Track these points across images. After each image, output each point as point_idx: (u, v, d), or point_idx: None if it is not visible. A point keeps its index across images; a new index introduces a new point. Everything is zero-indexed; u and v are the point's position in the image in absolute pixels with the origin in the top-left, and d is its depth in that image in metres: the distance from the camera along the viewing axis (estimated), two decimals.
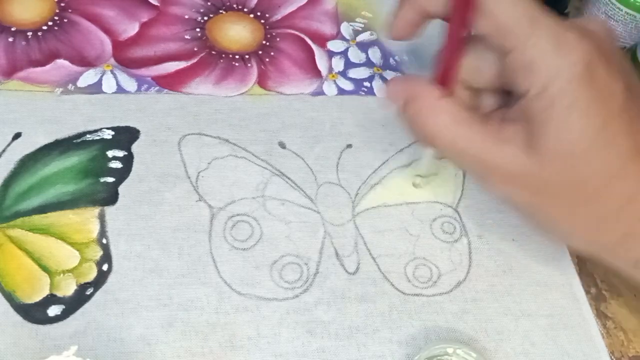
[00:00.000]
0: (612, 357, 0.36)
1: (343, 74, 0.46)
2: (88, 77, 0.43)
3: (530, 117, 0.30)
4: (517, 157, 0.30)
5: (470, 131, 0.31)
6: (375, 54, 0.48)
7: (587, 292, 0.38)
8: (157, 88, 0.43)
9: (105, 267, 0.35)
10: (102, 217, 0.37)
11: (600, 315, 0.38)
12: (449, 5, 0.31)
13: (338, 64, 0.47)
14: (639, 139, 0.30)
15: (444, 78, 0.33)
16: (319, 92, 0.45)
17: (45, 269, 0.34)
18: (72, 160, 0.38)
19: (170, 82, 0.43)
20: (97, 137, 0.40)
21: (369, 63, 0.47)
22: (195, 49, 0.46)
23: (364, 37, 0.49)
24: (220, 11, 0.48)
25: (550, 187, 0.31)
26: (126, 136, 0.40)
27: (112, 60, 0.44)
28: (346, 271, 0.37)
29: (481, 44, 0.32)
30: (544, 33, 0.29)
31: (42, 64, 0.43)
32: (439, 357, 0.33)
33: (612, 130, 0.29)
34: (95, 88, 0.42)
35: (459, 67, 0.33)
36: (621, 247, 0.32)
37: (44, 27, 0.45)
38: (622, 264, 0.34)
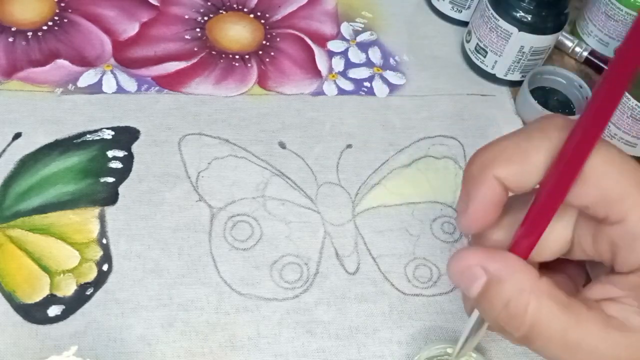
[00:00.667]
0: None
1: (343, 74, 0.46)
2: (88, 77, 0.43)
3: None
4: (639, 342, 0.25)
5: (581, 319, 0.25)
6: (375, 54, 0.48)
7: None
8: (157, 88, 0.43)
9: (105, 267, 0.35)
10: (102, 217, 0.37)
11: None
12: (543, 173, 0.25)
13: (338, 64, 0.47)
14: None
15: (528, 247, 0.26)
16: (319, 92, 0.45)
17: (45, 269, 0.34)
18: (72, 160, 0.38)
19: (170, 82, 0.43)
20: (97, 137, 0.40)
21: (369, 63, 0.47)
22: (195, 49, 0.46)
23: (364, 37, 0.49)
24: (220, 11, 0.48)
25: None
26: (126, 136, 0.40)
27: (112, 60, 0.44)
28: (346, 271, 0.37)
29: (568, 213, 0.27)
30: None
31: (42, 64, 0.43)
32: (439, 358, 0.33)
33: None
34: (95, 88, 0.42)
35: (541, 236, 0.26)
36: None
37: (44, 27, 0.45)
38: None
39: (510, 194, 0.26)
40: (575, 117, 0.42)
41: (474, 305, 0.28)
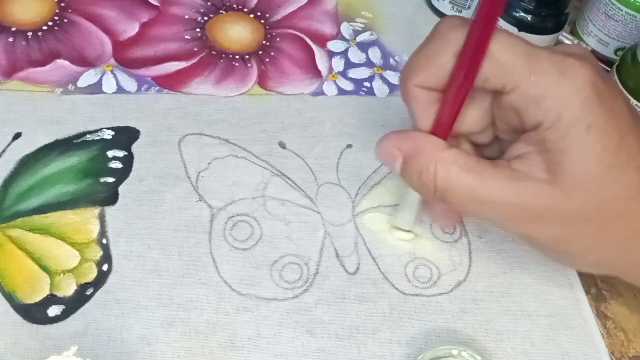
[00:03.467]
0: (612, 357, 0.36)
1: (343, 74, 0.46)
2: (88, 77, 0.43)
3: (546, 149, 0.29)
4: (542, 190, 0.30)
5: (485, 177, 0.30)
6: (375, 54, 0.48)
7: (587, 292, 0.38)
8: (157, 88, 0.43)
9: (105, 267, 0.35)
10: (102, 217, 0.37)
11: (600, 315, 0.38)
12: (457, 54, 0.30)
13: (338, 64, 0.47)
14: None
15: (446, 128, 0.32)
16: (319, 92, 0.45)
17: (45, 269, 0.34)
18: (72, 160, 0.38)
19: (170, 82, 0.43)
20: (97, 137, 0.40)
21: (369, 63, 0.47)
22: (195, 49, 0.46)
23: (364, 37, 0.49)
24: (220, 11, 0.48)
25: (575, 218, 0.30)
26: (126, 136, 0.40)
27: (112, 60, 0.44)
28: (346, 271, 0.37)
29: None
30: (545, 64, 0.29)
31: (42, 64, 0.43)
32: (443, 359, 0.33)
33: (627, 146, 0.29)
34: (95, 88, 0.42)
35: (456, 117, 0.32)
36: None
37: (44, 27, 0.45)
38: None
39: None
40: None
41: (402, 180, 0.33)
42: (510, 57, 0.29)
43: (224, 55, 0.46)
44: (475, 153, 0.34)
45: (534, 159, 0.30)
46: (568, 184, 0.29)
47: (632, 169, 0.30)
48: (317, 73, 0.46)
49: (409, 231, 0.38)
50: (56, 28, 0.45)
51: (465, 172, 0.30)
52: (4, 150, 0.38)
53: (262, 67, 0.46)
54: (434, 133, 0.32)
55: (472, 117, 0.33)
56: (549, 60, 0.29)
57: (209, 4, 0.49)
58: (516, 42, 0.30)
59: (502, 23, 0.45)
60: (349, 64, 0.47)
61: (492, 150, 0.34)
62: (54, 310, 0.33)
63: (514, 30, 0.44)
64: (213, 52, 0.46)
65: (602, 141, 0.29)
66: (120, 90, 0.42)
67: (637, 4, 0.47)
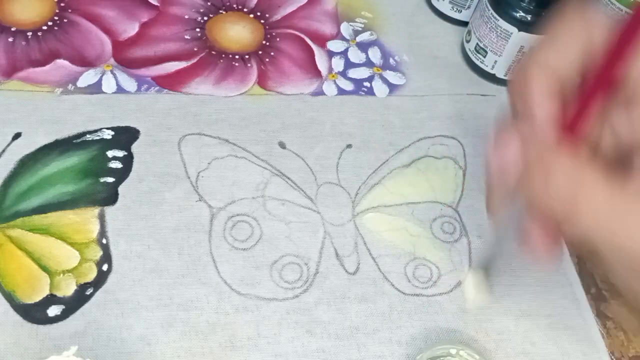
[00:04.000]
0: (612, 357, 0.36)
1: (343, 74, 0.46)
2: (88, 77, 0.43)
3: None
4: None
5: (626, 186, 0.25)
6: (375, 54, 0.48)
7: (587, 292, 0.38)
8: (157, 88, 0.43)
9: (105, 267, 0.35)
10: (102, 217, 0.37)
11: (600, 315, 0.38)
12: (592, 55, 0.27)
13: (338, 64, 0.47)
14: None
15: (578, 131, 0.27)
16: (319, 92, 0.45)
17: (45, 269, 0.34)
18: (72, 160, 0.38)
19: (170, 82, 0.43)
20: (97, 137, 0.40)
21: (369, 63, 0.47)
22: (195, 49, 0.46)
23: (364, 37, 0.49)
24: (220, 11, 0.48)
25: None
26: (126, 136, 0.40)
27: (112, 60, 0.44)
28: (346, 271, 0.37)
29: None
30: None
31: (42, 64, 0.43)
32: (442, 358, 0.33)
33: None
34: (95, 88, 0.42)
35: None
36: None
37: (44, 27, 0.45)
38: None
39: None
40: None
41: (514, 193, 0.28)
42: None
43: (223, 55, 0.46)
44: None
45: None
46: None
47: None
48: (317, 73, 0.46)
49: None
50: (56, 28, 0.45)
51: (603, 177, 0.25)
52: (4, 150, 0.38)
53: (262, 67, 0.45)
54: (564, 132, 0.27)
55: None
56: None
57: (209, 4, 0.49)
58: None
59: (501, 23, 0.45)
60: (349, 64, 0.47)
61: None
62: (54, 310, 0.33)
63: (514, 30, 0.44)
64: (213, 52, 0.46)
65: None
66: (120, 90, 0.42)
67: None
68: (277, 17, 0.49)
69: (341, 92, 0.45)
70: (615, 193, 0.24)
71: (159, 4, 0.48)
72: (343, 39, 0.49)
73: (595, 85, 0.27)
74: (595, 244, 0.25)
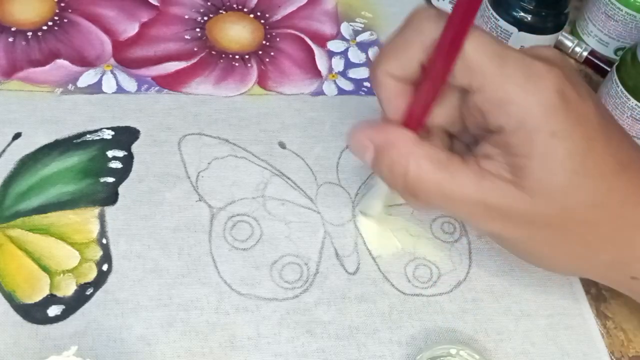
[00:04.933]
0: (612, 357, 0.36)
1: (343, 74, 0.46)
2: (88, 77, 0.43)
3: (512, 152, 0.29)
4: (507, 191, 0.30)
5: (454, 173, 0.30)
6: (375, 54, 0.48)
7: (587, 292, 0.38)
8: (157, 88, 0.43)
9: (105, 267, 0.35)
10: (102, 217, 0.37)
11: (600, 315, 0.38)
12: (430, 48, 0.30)
13: (338, 64, 0.47)
14: (619, 157, 0.30)
15: (418, 121, 0.31)
16: (319, 92, 0.45)
17: (45, 269, 0.34)
18: (72, 160, 0.38)
19: (170, 82, 0.43)
20: (97, 137, 0.40)
21: (369, 63, 0.47)
22: (195, 49, 0.46)
23: (364, 37, 0.49)
24: (220, 11, 0.48)
25: (539, 221, 0.30)
26: (126, 136, 0.40)
27: (112, 60, 0.44)
28: (346, 271, 0.37)
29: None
30: (513, 67, 0.29)
31: (42, 64, 0.43)
32: (441, 358, 0.33)
33: (594, 154, 0.29)
34: (95, 88, 0.42)
35: (431, 110, 0.32)
36: (612, 271, 0.32)
37: (44, 27, 0.45)
38: (615, 286, 0.34)
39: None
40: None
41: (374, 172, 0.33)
42: (480, 56, 0.29)
43: (223, 55, 0.46)
44: (448, 142, 0.34)
45: (499, 160, 0.30)
46: (532, 188, 0.29)
47: (598, 177, 0.30)
48: (317, 73, 0.46)
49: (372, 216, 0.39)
50: (56, 28, 0.45)
51: (435, 167, 0.30)
52: (4, 150, 0.38)
53: (262, 67, 0.46)
54: (406, 125, 0.32)
55: (441, 112, 0.32)
56: (517, 64, 0.29)
57: (209, 4, 0.49)
58: (489, 41, 0.29)
59: (501, 23, 0.45)
60: (349, 64, 0.47)
61: (466, 138, 0.34)
62: (54, 310, 0.33)
63: (514, 30, 0.44)
64: (213, 52, 0.46)
65: (567, 148, 0.29)
66: (120, 90, 0.42)
67: (637, 4, 0.47)
68: (277, 17, 0.49)
69: (341, 92, 0.45)
70: (443, 181, 0.30)
71: (159, 4, 0.48)
72: (343, 39, 0.49)
73: (427, 78, 0.30)
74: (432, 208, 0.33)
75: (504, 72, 0.29)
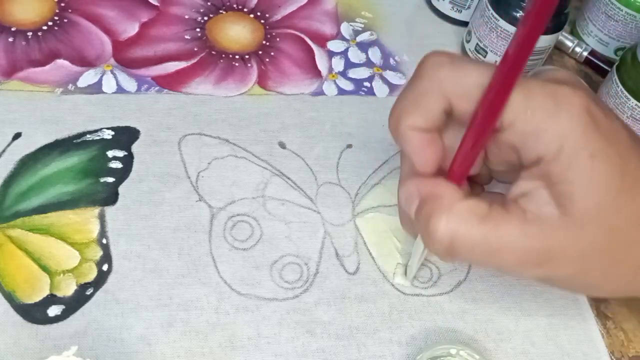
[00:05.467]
0: (612, 357, 0.36)
1: (343, 74, 0.46)
2: (88, 77, 0.43)
3: (553, 181, 0.29)
4: (554, 228, 0.29)
5: (499, 224, 0.29)
6: (375, 54, 0.48)
7: None
8: (157, 88, 0.43)
9: (105, 267, 0.35)
10: (102, 217, 0.37)
11: (600, 315, 0.38)
12: (453, 101, 0.29)
13: (338, 64, 0.47)
14: None
15: (461, 174, 0.31)
16: (319, 92, 0.45)
17: (45, 269, 0.34)
18: (72, 160, 0.38)
19: (170, 82, 0.43)
20: (97, 137, 0.40)
21: (369, 63, 0.47)
22: (195, 49, 0.46)
23: (364, 37, 0.49)
24: (220, 11, 0.48)
25: (590, 249, 0.29)
26: (126, 136, 0.40)
27: (112, 60, 0.44)
28: (346, 271, 0.37)
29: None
30: (540, 98, 0.28)
31: (42, 64, 0.43)
32: (441, 358, 0.33)
33: (630, 170, 0.29)
34: (95, 88, 0.42)
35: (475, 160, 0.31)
36: None
37: (44, 27, 0.45)
38: None
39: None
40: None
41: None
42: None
43: (224, 55, 0.46)
44: (484, 196, 0.33)
45: (541, 195, 0.29)
46: (580, 214, 0.28)
47: (638, 195, 0.29)
48: (317, 73, 0.46)
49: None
50: (56, 28, 0.45)
51: (477, 221, 0.29)
52: (4, 150, 0.38)
53: (262, 67, 0.46)
54: (450, 178, 0.31)
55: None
56: (543, 92, 0.28)
57: (209, 4, 0.49)
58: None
59: (501, 23, 0.45)
60: (349, 64, 0.47)
61: (481, 177, 0.34)
62: (54, 310, 0.33)
63: (514, 30, 0.44)
64: (213, 52, 0.46)
65: (607, 168, 0.28)
66: (120, 90, 0.42)
67: (637, 4, 0.47)
68: (277, 17, 0.49)
69: (341, 92, 0.45)
70: (488, 234, 0.29)
71: (159, 4, 0.48)
72: (343, 39, 0.49)
73: (472, 130, 0.29)
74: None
75: (532, 103, 0.28)
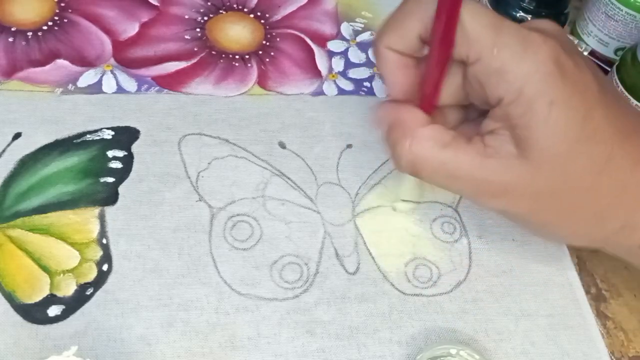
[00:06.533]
0: (612, 357, 0.36)
1: (343, 74, 0.46)
2: (88, 77, 0.43)
3: (512, 124, 0.29)
4: (510, 165, 0.30)
5: (458, 152, 0.31)
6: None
7: (587, 292, 0.38)
8: (157, 88, 0.43)
9: (105, 267, 0.35)
10: (102, 217, 0.37)
11: (600, 315, 0.38)
12: (429, 27, 0.30)
13: (338, 64, 0.47)
14: (619, 125, 0.30)
15: (429, 100, 0.32)
16: (319, 92, 0.45)
17: (45, 269, 0.34)
18: (72, 160, 0.38)
19: (170, 82, 0.43)
20: (97, 137, 0.40)
21: (369, 63, 0.47)
22: (195, 49, 0.46)
23: (364, 37, 0.49)
24: (220, 11, 0.48)
25: (544, 191, 0.31)
26: (126, 136, 0.40)
27: (112, 60, 0.44)
28: (346, 271, 0.37)
29: None
30: (509, 38, 0.29)
31: (42, 64, 0.43)
32: (441, 358, 0.33)
33: (593, 121, 0.29)
34: (95, 88, 0.42)
35: (441, 88, 0.32)
36: (620, 236, 0.32)
37: (44, 27, 0.45)
38: (623, 253, 0.34)
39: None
40: None
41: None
42: (476, 27, 0.29)
43: (224, 55, 0.46)
44: (461, 119, 0.34)
45: (503, 134, 0.30)
46: (536, 158, 0.29)
47: (600, 143, 0.30)
48: (317, 73, 0.46)
49: (410, 201, 0.39)
50: (56, 28, 0.45)
51: (438, 147, 0.31)
52: (4, 150, 0.38)
53: (262, 67, 0.45)
54: (420, 106, 0.32)
55: (448, 90, 0.33)
56: (514, 34, 0.29)
57: (209, 4, 0.49)
58: (484, 12, 0.30)
59: None
60: (349, 64, 0.47)
61: (474, 115, 0.35)
62: (54, 310, 0.33)
63: None
64: (213, 52, 0.46)
65: (567, 116, 0.29)
66: (120, 90, 0.42)
67: (637, 4, 0.47)
68: (277, 17, 0.49)
69: (341, 92, 0.45)
70: (447, 160, 0.31)
71: (159, 4, 0.48)
72: (343, 39, 0.49)
73: (432, 52, 0.30)
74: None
75: (500, 41, 0.29)
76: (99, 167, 0.38)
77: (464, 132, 0.32)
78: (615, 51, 0.51)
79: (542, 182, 0.30)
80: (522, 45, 0.29)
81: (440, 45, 0.30)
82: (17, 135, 0.39)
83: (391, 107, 0.33)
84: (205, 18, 0.48)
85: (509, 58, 0.29)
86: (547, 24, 0.31)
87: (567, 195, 0.31)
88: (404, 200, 0.39)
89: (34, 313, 0.33)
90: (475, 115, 0.34)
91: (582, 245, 0.38)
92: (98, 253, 0.35)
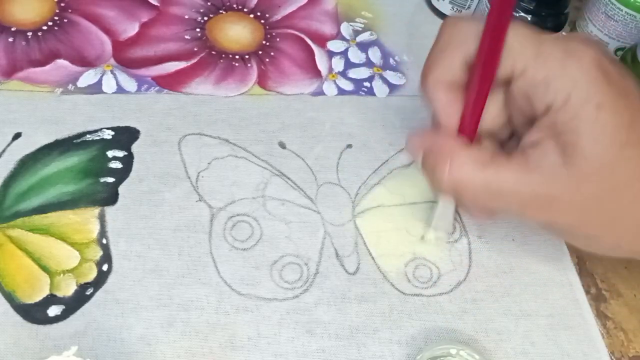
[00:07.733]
0: (612, 357, 0.36)
1: (343, 74, 0.46)
2: (88, 77, 0.43)
3: (558, 131, 0.29)
4: (556, 175, 0.30)
5: (500, 170, 0.31)
6: (375, 54, 0.48)
7: (587, 292, 0.38)
8: (157, 88, 0.43)
9: (105, 267, 0.35)
10: (102, 217, 0.37)
11: (600, 315, 0.38)
12: (472, 52, 0.31)
13: (338, 64, 0.47)
14: None
15: (469, 127, 0.32)
16: (319, 92, 0.45)
17: (45, 269, 0.34)
18: (72, 160, 0.38)
19: (170, 82, 0.43)
20: (97, 137, 0.40)
21: (369, 63, 0.47)
22: (195, 49, 0.46)
23: (364, 37, 0.49)
24: (220, 11, 0.48)
25: (591, 199, 0.30)
26: (126, 136, 0.40)
27: (112, 61, 0.44)
28: (346, 271, 0.37)
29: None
30: (551, 48, 0.29)
31: (42, 64, 0.43)
32: (441, 358, 0.33)
33: (638, 125, 0.29)
34: (95, 88, 0.42)
35: (481, 115, 0.32)
36: None
37: (44, 27, 0.45)
38: None
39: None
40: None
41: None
42: (519, 41, 0.30)
43: (223, 55, 0.46)
44: (497, 150, 0.34)
45: (547, 144, 0.30)
46: (582, 165, 0.29)
47: None
48: (317, 73, 0.46)
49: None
50: (56, 28, 0.45)
51: (479, 167, 0.31)
52: (4, 150, 0.38)
53: (262, 67, 0.46)
54: (461, 133, 0.32)
55: (490, 115, 0.33)
56: (555, 44, 0.29)
57: (209, 4, 0.49)
58: (523, 26, 0.30)
59: None
60: (349, 64, 0.47)
61: (511, 145, 0.34)
62: (54, 310, 0.33)
63: None
64: (213, 52, 0.46)
65: (614, 120, 0.29)
66: (120, 90, 0.42)
67: (637, 4, 0.47)
68: (277, 17, 0.49)
69: (341, 92, 0.45)
70: (489, 179, 0.30)
71: (159, 4, 0.48)
72: (343, 39, 0.49)
73: (476, 75, 0.31)
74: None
75: (544, 52, 0.29)
76: (99, 167, 0.38)
77: (500, 153, 0.32)
78: (615, 51, 0.51)
79: (588, 190, 0.30)
80: (565, 53, 0.29)
81: (485, 66, 0.30)
82: (17, 135, 0.39)
83: (426, 134, 0.33)
84: (205, 18, 0.48)
85: (554, 66, 0.29)
86: (582, 35, 0.32)
87: (613, 204, 0.30)
88: (435, 230, 0.38)
89: (34, 313, 0.33)
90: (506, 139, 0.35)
91: (625, 257, 0.37)
92: (98, 253, 0.35)
